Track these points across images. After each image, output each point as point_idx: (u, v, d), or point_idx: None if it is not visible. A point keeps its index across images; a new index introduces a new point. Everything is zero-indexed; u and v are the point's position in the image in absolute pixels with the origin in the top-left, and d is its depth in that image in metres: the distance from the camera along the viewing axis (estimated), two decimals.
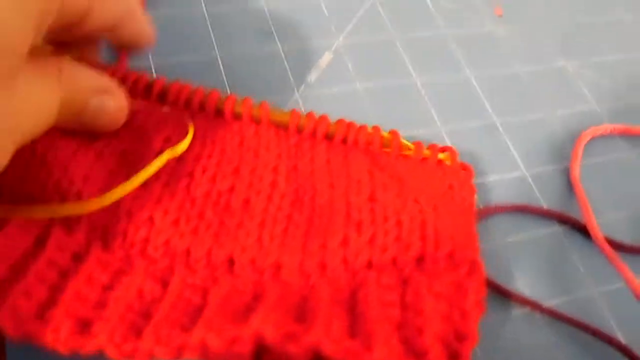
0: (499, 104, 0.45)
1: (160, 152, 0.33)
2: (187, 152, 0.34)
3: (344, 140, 0.36)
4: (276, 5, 0.46)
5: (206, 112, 0.35)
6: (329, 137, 0.36)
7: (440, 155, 0.36)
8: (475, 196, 0.36)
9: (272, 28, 0.45)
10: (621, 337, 0.35)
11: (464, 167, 0.37)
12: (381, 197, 0.33)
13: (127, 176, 0.31)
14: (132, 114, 0.34)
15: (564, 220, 0.39)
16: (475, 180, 0.39)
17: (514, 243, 0.38)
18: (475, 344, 0.27)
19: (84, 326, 0.26)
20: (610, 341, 0.35)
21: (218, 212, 0.32)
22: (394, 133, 0.36)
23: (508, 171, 0.41)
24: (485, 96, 0.45)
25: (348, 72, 0.44)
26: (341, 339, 0.24)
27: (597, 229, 0.38)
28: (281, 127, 0.36)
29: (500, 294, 0.35)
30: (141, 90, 0.35)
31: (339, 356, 0.24)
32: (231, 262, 0.31)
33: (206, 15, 0.45)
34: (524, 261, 0.37)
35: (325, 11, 0.47)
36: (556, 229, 0.39)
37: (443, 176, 0.36)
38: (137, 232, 0.30)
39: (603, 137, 0.45)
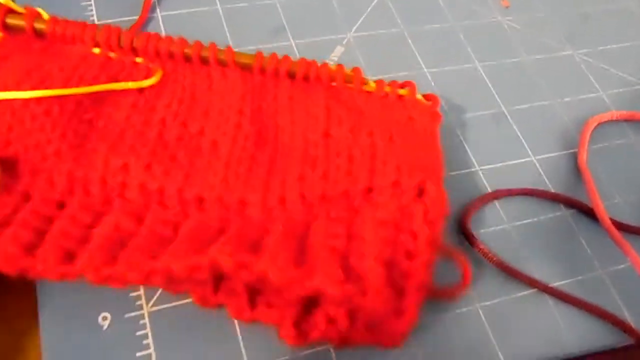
0: (507, 92, 0.46)
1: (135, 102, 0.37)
2: (158, 99, 0.37)
3: (306, 78, 0.38)
4: (288, 1, 0.48)
5: (175, 59, 0.38)
6: (291, 76, 0.39)
7: (401, 91, 0.39)
8: (439, 125, 0.39)
9: (285, 23, 0.46)
10: (628, 315, 0.37)
11: (430, 98, 0.39)
12: (335, 133, 0.37)
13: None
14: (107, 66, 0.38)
15: (571, 203, 0.41)
16: (484, 166, 0.40)
17: (522, 226, 0.39)
18: (428, 260, 0.31)
19: (70, 257, 0.30)
20: (614, 321, 0.36)
21: (189, 154, 0.35)
22: (356, 70, 0.39)
23: (517, 157, 0.43)
24: (493, 85, 0.46)
25: (359, 65, 0.45)
26: (286, 268, 0.28)
27: (604, 212, 0.39)
28: (246, 69, 0.39)
29: (510, 275, 0.37)
30: (114, 42, 0.38)
31: (283, 283, 0.27)
32: (200, 200, 0.34)
33: (220, 11, 0.46)
34: (532, 243, 0.39)
35: (336, 6, 0.48)
36: (564, 212, 0.40)
37: (403, 109, 0.39)
38: (114, 178, 0.34)
39: (609, 123, 0.46)
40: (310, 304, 0.31)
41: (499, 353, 0.34)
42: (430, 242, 0.32)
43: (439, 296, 0.34)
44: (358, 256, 0.30)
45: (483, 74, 0.47)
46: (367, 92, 0.39)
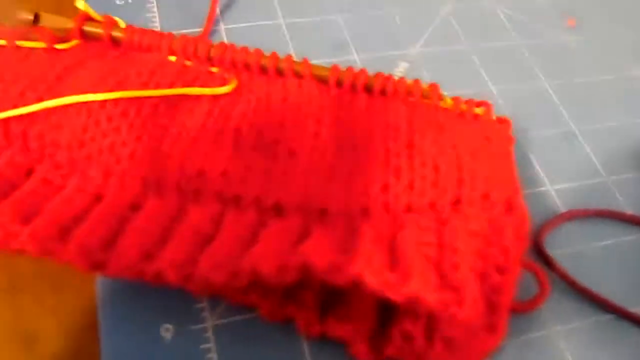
0: (577, 111, 0.45)
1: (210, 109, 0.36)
2: (233, 108, 0.36)
3: (383, 92, 0.38)
4: (351, 17, 0.48)
5: (251, 70, 0.38)
6: (368, 90, 0.38)
7: (477, 110, 0.38)
8: (512, 148, 0.38)
9: (348, 39, 0.46)
10: None
11: (502, 121, 0.38)
12: (419, 144, 0.35)
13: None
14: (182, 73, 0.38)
15: None
16: (555, 185, 0.39)
17: (599, 248, 0.38)
18: (517, 277, 0.29)
19: (147, 256, 0.29)
20: None
21: (265, 162, 0.34)
22: (433, 85, 0.38)
23: (589, 177, 0.41)
24: (561, 104, 0.45)
25: (424, 81, 0.44)
26: (381, 271, 0.26)
27: None
28: (322, 82, 0.38)
29: (588, 298, 0.35)
30: (191, 51, 0.38)
31: (379, 288, 0.25)
32: (279, 208, 0.33)
33: (283, 25, 0.46)
34: (609, 266, 0.37)
35: (399, 23, 0.48)
36: None
37: (480, 128, 0.37)
38: (189, 183, 0.33)
39: None
40: (385, 319, 0.30)
41: None
42: (519, 258, 0.30)
43: (515, 309, 0.33)
44: (452, 266, 0.29)
45: (551, 93, 0.46)
46: (445, 108, 0.38)
